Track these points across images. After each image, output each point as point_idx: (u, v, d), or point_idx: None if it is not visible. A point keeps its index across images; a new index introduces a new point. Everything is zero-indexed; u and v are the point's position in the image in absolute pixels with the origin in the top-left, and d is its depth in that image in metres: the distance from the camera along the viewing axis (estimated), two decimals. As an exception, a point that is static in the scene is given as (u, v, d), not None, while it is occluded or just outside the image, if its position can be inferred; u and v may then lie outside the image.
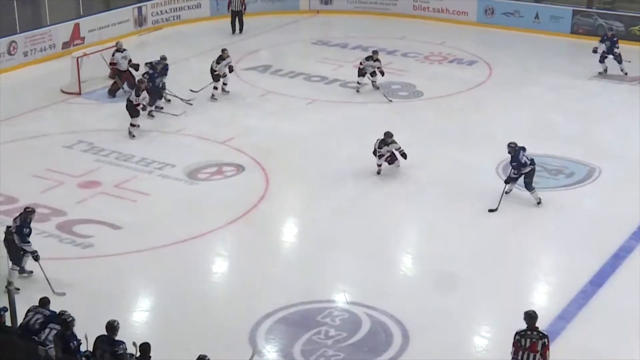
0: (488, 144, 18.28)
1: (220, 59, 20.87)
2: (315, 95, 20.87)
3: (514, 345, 10.18)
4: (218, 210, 15.45)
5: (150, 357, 9.95)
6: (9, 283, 12.41)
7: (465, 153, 17.87)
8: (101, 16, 25.72)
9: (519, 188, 16.33)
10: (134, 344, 10.05)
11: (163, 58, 20.49)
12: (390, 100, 20.62)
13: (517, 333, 10.18)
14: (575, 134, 18.90)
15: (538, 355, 10.08)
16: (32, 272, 13.14)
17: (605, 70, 22.35)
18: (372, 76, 21.16)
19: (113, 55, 21.19)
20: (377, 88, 21.15)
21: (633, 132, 18.80)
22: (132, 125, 18.62)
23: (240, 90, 20.81)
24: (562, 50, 25.54)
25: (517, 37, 26.27)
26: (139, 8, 26.72)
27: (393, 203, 15.99)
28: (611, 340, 11.84)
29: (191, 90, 20.69)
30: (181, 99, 20.22)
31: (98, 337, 10.19)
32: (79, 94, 21.29)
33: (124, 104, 18.88)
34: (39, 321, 10.70)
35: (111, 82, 21.34)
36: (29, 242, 12.91)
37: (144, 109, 18.80)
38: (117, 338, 10.11)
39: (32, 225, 13.31)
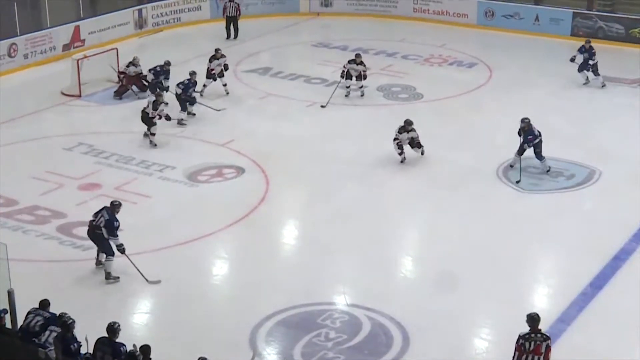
0: (488, 146, 18.31)
1: (212, 58, 21.17)
2: (316, 98, 20.87)
3: (517, 349, 10.15)
4: (218, 213, 15.45)
5: (150, 359, 9.95)
6: (110, 276, 13.16)
7: (465, 155, 17.87)
8: (101, 18, 25.73)
9: (519, 190, 16.36)
10: (134, 346, 10.05)
11: (167, 63, 20.69)
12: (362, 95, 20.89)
13: (520, 337, 10.15)
14: (575, 136, 18.90)
15: (542, 358, 10.07)
16: (118, 278, 13.39)
17: (588, 79, 22.09)
18: (357, 80, 20.99)
19: (127, 66, 21.25)
20: (363, 95, 21.11)
21: (633, 134, 18.81)
22: (151, 134, 18.18)
23: (241, 93, 20.81)
24: (562, 53, 25.50)
25: (517, 39, 26.28)
26: (139, 10, 26.73)
27: (393, 205, 15.99)
28: (612, 342, 11.84)
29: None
30: (211, 107, 20.14)
31: (98, 340, 10.19)
32: (79, 96, 21.30)
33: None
34: (39, 323, 10.69)
35: (114, 84, 21.43)
36: (117, 235, 13.16)
37: (167, 118, 18.43)
38: (117, 340, 10.11)
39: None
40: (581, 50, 22.08)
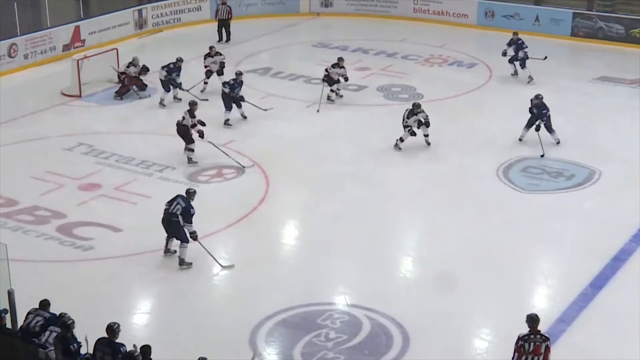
0: (488, 147, 18.32)
1: (207, 56, 21.43)
2: (316, 98, 20.86)
3: (516, 350, 10.13)
4: (218, 213, 15.46)
5: (151, 359, 9.95)
6: (183, 262, 13.55)
7: (466, 155, 17.88)
8: (102, 19, 25.73)
9: (519, 190, 16.36)
10: (134, 346, 10.05)
11: (179, 60, 20.89)
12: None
13: (520, 338, 10.13)
14: (575, 137, 18.90)
15: (541, 359, 10.06)
16: (191, 264, 13.72)
17: (516, 72, 22.60)
18: (336, 83, 20.78)
19: (128, 67, 21.32)
20: (341, 96, 21.01)
21: (633, 135, 18.82)
22: (189, 150, 17.43)
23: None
24: (562, 53, 25.56)
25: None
26: (140, 11, 26.74)
27: (393, 205, 15.98)
28: (612, 342, 11.84)
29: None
30: (258, 106, 20.13)
31: (98, 340, 10.18)
32: (79, 96, 21.30)
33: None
34: (39, 323, 10.69)
35: (114, 84, 21.47)
36: (192, 222, 13.49)
37: (201, 135, 17.35)
38: (117, 340, 10.11)
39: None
40: (510, 43, 22.65)
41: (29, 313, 10.87)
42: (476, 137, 18.89)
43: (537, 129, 17.90)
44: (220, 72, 21.39)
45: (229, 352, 11.43)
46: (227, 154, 17.39)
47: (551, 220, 15.34)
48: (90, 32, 25.13)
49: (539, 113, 17.94)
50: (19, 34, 23.72)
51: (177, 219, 13.53)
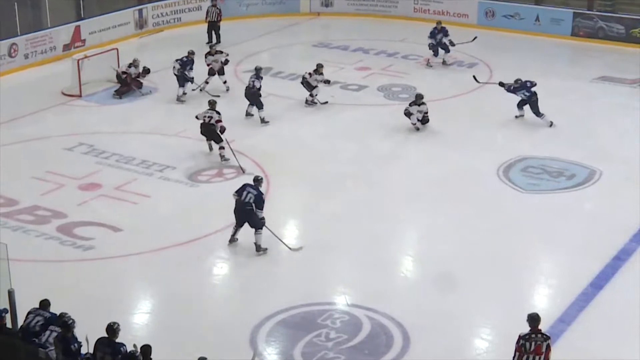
0: (488, 147, 18.32)
1: (207, 55, 21.62)
2: (316, 98, 20.82)
3: (517, 350, 10.13)
4: (219, 213, 15.42)
5: (151, 359, 9.95)
6: (260, 248, 14.05)
7: (466, 155, 17.88)
8: (102, 18, 25.71)
9: (519, 190, 16.36)
10: (135, 346, 10.05)
11: (191, 52, 21.16)
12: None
13: (521, 337, 10.12)
14: (576, 136, 18.90)
15: (542, 358, 10.06)
16: (266, 249, 14.22)
17: (445, 61, 23.60)
18: (314, 89, 20.61)
19: (129, 67, 21.36)
20: (326, 102, 20.82)
21: (634, 134, 18.81)
22: (220, 148, 17.46)
23: (241, 93, 20.74)
24: (563, 53, 25.56)
25: (518, 39, 26.28)
26: (140, 10, 26.73)
27: (393, 205, 15.98)
28: (612, 342, 11.84)
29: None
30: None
31: (98, 340, 10.19)
32: (80, 96, 21.30)
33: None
34: (39, 323, 10.69)
35: (114, 84, 21.50)
36: (263, 208, 14.04)
37: (222, 130, 17.39)
38: (117, 340, 10.11)
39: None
40: (433, 33, 23.49)
41: (29, 313, 10.87)
42: (476, 137, 18.89)
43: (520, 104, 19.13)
44: (221, 71, 21.41)
45: (229, 352, 11.42)
46: (233, 154, 17.33)
47: (552, 220, 15.33)
48: (91, 32, 25.11)
49: (522, 87, 19.15)
50: (19, 33, 23.70)
51: (251, 207, 13.93)
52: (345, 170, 17.27)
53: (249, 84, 19.72)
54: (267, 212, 14.02)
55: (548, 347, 10.11)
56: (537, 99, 19.08)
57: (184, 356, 10.99)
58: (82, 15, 25.81)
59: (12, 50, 23.20)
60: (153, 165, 17.42)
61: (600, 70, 23.09)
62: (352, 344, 11.83)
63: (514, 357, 10.17)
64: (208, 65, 21.50)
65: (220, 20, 25.75)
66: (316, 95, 20.72)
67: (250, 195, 14.01)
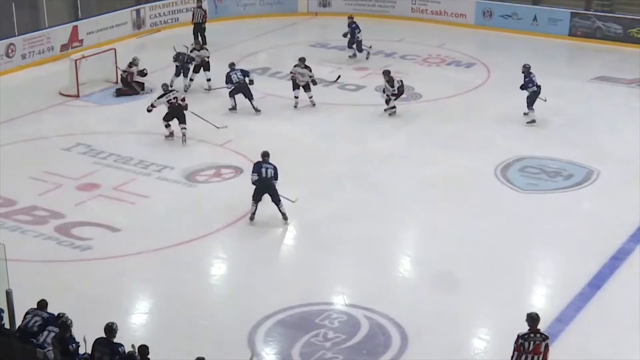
0: (486, 147, 18.32)
1: (193, 49, 21.86)
2: (314, 98, 20.82)
3: (516, 349, 10.12)
4: (216, 213, 15.45)
5: (149, 359, 9.94)
6: (286, 215, 14.87)
7: (464, 155, 17.88)
8: (99, 19, 25.69)
9: (517, 190, 16.36)
10: (133, 346, 10.05)
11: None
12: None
13: (519, 337, 10.11)
14: (573, 136, 18.92)
15: (541, 357, 10.06)
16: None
17: (355, 55, 24.09)
18: (305, 90, 20.39)
19: (130, 67, 21.42)
20: (314, 104, 20.60)
21: (632, 134, 18.82)
22: (183, 128, 18.31)
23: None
24: (560, 53, 25.58)
25: (515, 39, 26.30)
26: (137, 10, 26.72)
27: (391, 205, 15.98)
28: (610, 342, 11.84)
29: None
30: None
31: (96, 340, 10.17)
32: (77, 96, 21.29)
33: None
34: (37, 323, 10.67)
35: (112, 84, 21.52)
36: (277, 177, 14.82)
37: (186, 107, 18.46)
38: (115, 340, 10.10)
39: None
40: (350, 26, 23.97)
41: (27, 313, 10.86)
42: (474, 137, 18.89)
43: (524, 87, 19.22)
44: (206, 67, 21.61)
45: (227, 352, 11.43)
46: (205, 120, 18.15)
47: (549, 219, 15.34)
48: (88, 32, 25.10)
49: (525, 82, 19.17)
50: (16, 34, 23.70)
51: (273, 182, 14.67)
52: (344, 170, 17.26)
53: (237, 80, 19.90)
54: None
55: (547, 347, 10.10)
56: (539, 92, 19.25)
57: (182, 356, 10.98)
58: (80, 16, 25.81)
59: (10, 50, 23.19)
60: (151, 165, 17.41)
61: (597, 70, 23.10)
62: (350, 344, 11.82)
63: (512, 357, 10.17)
64: (192, 61, 21.61)
65: (205, 21, 25.54)
66: (311, 97, 20.65)
67: (270, 171, 14.68)
